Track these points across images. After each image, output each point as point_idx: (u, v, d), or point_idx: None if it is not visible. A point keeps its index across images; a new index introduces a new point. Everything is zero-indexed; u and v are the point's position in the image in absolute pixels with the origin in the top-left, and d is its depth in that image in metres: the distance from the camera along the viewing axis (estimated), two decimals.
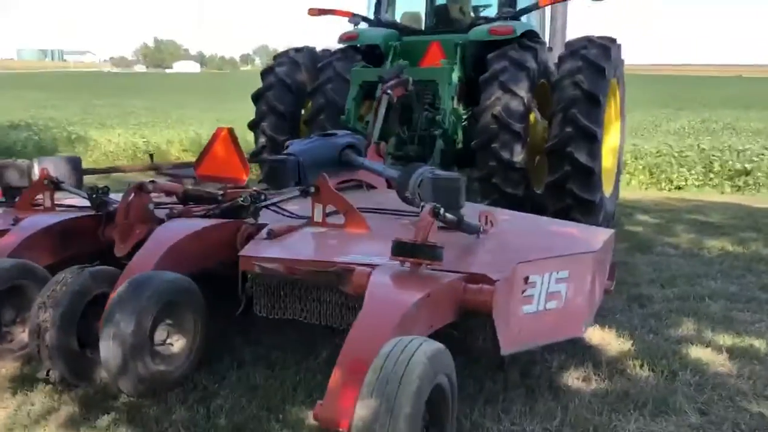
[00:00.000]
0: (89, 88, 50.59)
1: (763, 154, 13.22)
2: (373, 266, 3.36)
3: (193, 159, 6.18)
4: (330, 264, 3.56)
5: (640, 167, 12.93)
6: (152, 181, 4.66)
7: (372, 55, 9.15)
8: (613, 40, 8.28)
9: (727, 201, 10.77)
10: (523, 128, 7.71)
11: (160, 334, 3.65)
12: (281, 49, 9.56)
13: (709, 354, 4.26)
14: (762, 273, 6.21)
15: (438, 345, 2.61)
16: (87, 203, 4.81)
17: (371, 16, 9.29)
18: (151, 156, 6.79)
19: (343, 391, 2.61)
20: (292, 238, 4.07)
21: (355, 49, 9.16)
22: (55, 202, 5.15)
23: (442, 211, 3.38)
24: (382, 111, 7.03)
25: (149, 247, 3.97)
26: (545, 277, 3.62)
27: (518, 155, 7.71)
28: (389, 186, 6.10)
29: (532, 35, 8.29)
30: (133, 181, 4.69)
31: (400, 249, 3.20)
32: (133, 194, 4.46)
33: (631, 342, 4.42)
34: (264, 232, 4.11)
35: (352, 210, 4.30)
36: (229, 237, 4.24)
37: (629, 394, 3.64)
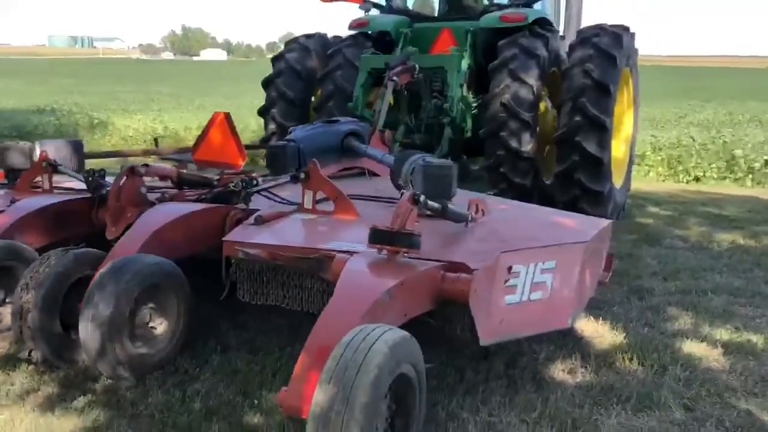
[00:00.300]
0: (116, 74, 51.07)
1: None
2: (353, 253, 3.33)
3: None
4: (311, 251, 3.53)
5: (659, 159, 12.70)
6: (145, 165, 4.65)
7: (383, 41, 9.09)
8: (626, 29, 8.13)
9: (745, 194, 10.56)
10: (532, 117, 7.61)
11: (141, 317, 3.65)
12: None
13: (703, 349, 4.17)
14: None
15: (403, 334, 2.57)
16: (85, 186, 4.83)
17: (383, 3, 9.20)
18: (156, 141, 6.81)
19: (307, 379, 2.58)
20: (278, 224, 4.04)
21: (365, 36, 9.10)
22: (55, 185, 5.17)
23: (422, 198, 3.32)
24: (387, 98, 6.96)
25: (134, 230, 3.97)
26: (530, 267, 3.55)
27: (527, 144, 7.62)
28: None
29: (544, 23, 8.16)
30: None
31: (377, 236, 3.16)
32: (125, 177, 4.46)
33: (624, 335, 4.34)
34: (252, 218, 4.09)
35: (342, 197, 4.26)
36: (217, 222, 4.23)
37: (614, 388, 3.57)
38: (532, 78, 7.62)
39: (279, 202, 4.56)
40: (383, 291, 2.88)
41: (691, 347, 4.18)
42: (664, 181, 12.29)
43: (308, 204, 4.34)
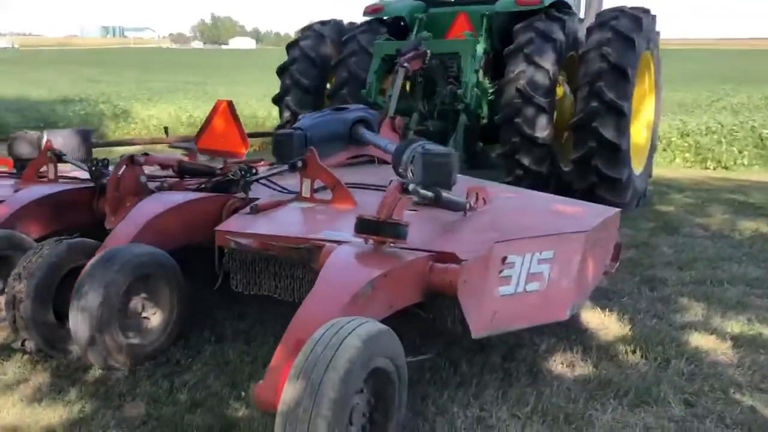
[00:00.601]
0: (145, 64, 51.50)
1: None
2: (342, 243, 3.26)
3: None
4: (301, 240, 3.47)
5: (686, 145, 12.40)
6: (145, 154, 4.63)
7: (398, 27, 8.98)
8: (647, 11, 7.91)
9: None
10: (548, 102, 7.47)
11: (133, 308, 3.63)
12: None
13: (712, 342, 4.03)
14: None
15: (379, 327, 2.49)
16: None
17: None
18: (166, 129, 6.79)
19: (282, 373, 2.51)
20: (273, 214, 3.99)
21: (380, 22, 9.00)
22: (62, 174, 5.18)
23: (411, 187, 3.23)
24: (398, 84, 6.86)
25: (128, 220, 3.95)
26: (526, 258, 3.45)
27: (543, 131, 7.48)
28: None
29: (561, 6, 7.98)
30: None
31: (363, 226, 3.08)
32: (124, 166, 4.44)
33: (630, 326, 4.22)
34: (248, 207, 4.05)
35: (340, 185, 4.20)
36: (214, 211, 4.20)
37: (612, 382, 3.46)
38: (548, 62, 7.47)
39: (280, 191, 4.51)
40: (365, 283, 2.80)
41: (699, 340, 4.04)
42: (690, 167, 12.02)
43: (306, 192, 4.28)
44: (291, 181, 4.61)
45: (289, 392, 2.27)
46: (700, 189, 9.47)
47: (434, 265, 3.12)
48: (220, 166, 4.96)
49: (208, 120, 5.25)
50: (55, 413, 3.10)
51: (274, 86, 9.34)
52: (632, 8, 7.81)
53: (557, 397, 3.30)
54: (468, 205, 3.86)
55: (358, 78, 8.38)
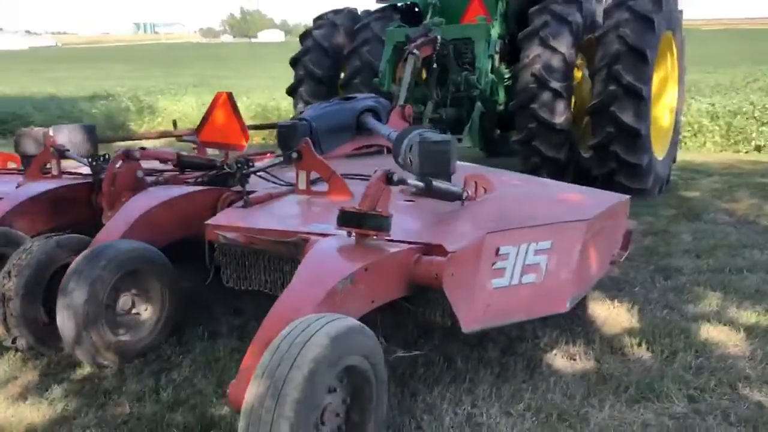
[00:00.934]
0: (175, 59, 51.94)
1: None
2: (328, 236, 3.16)
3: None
4: (288, 234, 3.37)
5: (716, 128, 12.03)
6: (142, 148, 4.58)
7: (412, 13, 8.84)
8: None
9: None
10: (564, 87, 7.29)
11: (123, 304, 3.58)
12: None
13: (724, 333, 3.85)
14: None
15: (350, 324, 2.38)
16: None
17: None
18: (174, 123, 6.75)
19: (253, 372, 2.43)
20: (265, 207, 3.90)
21: (394, 9, 8.88)
22: (67, 170, 5.16)
23: (397, 177, 3.11)
24: (408, 72, 6.73)
25: (119, 216, 3.91)
26: (521, 249, 3.31)
27: (560, 116, 7.31)
28: None
29: None
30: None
31: (346, 218, 2.97)
32: (120, 161, 4.39)
33: (639, 318, 4.06)
34: (242, 200, 3.97)
35: (335, 177, 4.09)
36: (209, 205, 4.14)
37: (613, 377, 3.31)
38: (564, 45, 7.29)
39: (279, 184, 4.42)
40: (342, 278, 2.70)
41: (710, 331, 3.86)
42: (721, 151, 11.66)
43: (302, 185, 4.19)
44: (291, 173, 4.52)
45: (252, 392, 2.18)
46: (729, 173, 9.17)
47: (420, 258, 3.00)
48: (220, 159, 4.92)
49: (209, 113, 5.19)
50: (38, 412, 3.06)
51: None
52: None
53: (553, 393, 3.16)
54: (465, 195, 3.73)
55: (371, 66, 8.27)
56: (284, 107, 15.59)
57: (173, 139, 6.55)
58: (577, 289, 3.56)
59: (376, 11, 8.87)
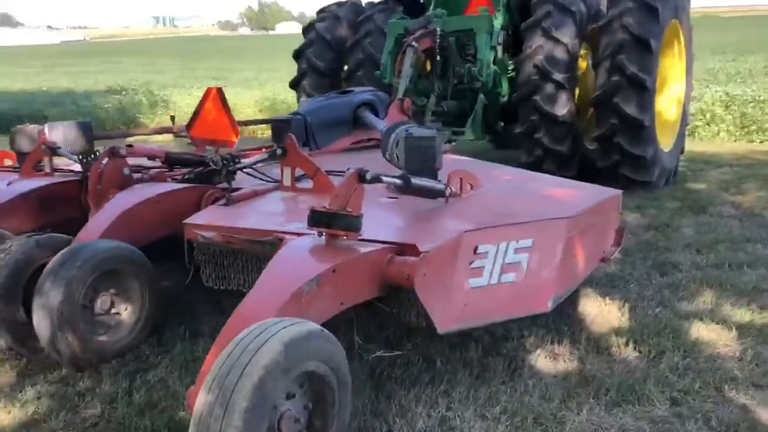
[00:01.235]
0: (193, 52, 52.11)
1: None
2: (303, 235, 3.11)
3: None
4: (264, 233, 3.32)
5: (730, 117, 11.78)
6: (129, 145, 4.55)
7: (415, 5, 8.73)
8: None
9: None
10: (567, 78, 7.17)
11: (102, 304, 3.55)
12: None
13: (715, 332, 3.75)
14: None
15: (309, 328, 2.32)
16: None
17: None
18: (172, 118, 6.73)
19: None
20: (247, 205, 3.86)
21: (397, 0, 8.77)
22: (62, 167, 5.15)
23: (370, 175, 3.03)
24: (407, 64, 6.61)
25: (100, 214, 3.88)
26: (500, 247, 3.23)
27: (562, 108, 7.20)
28: None
29: None
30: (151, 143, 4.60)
31: (315, 218, 2.91)
32: (106, 159, 4.37)
33: (629, 316, 3.97)
34: (225, 198, 3.93)
35: (320, 173, 4.03)
36: (193, 202, 4.09)
37: (595, 378, 3.23)
38: (567, 36, 7.16)
39: (266, 181, 4.37)
40: (308, 280, 2.64)
41: (701, 330, 3.76)
42: (735, 141, 11.42)
43: (287, 181, 4.14)
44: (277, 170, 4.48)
45: (202, 399, 2.14)
46: (740, 164, 8.98)
47: (393, 258, 2.93)
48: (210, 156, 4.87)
49: (199, 108, 5.14)
50: (9, 414, 3.04)
51: None
52: None
53: (531, 395, 3.09)
54: (449, 192, 3.66)
55: (373, 59, 8.19)
56: (291, 101, 15.58)
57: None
58: (560, 288, 3.47)
59: (379, 3, 8.79)
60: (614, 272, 4.76)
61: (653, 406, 3.00)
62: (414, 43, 6.65)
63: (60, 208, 4.56)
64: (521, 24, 7.57)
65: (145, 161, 5.00)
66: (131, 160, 5.01)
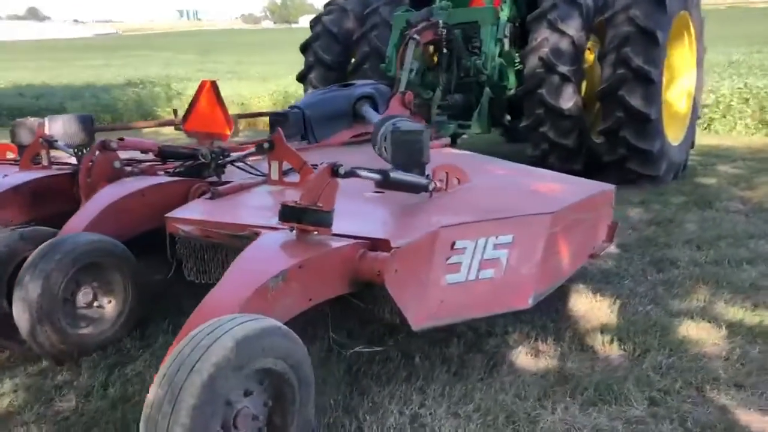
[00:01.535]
0: (214, 46, 52.34)
1: None
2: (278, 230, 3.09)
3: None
4: (242, 227, 3.30)
5: (747, 110, 11.57)
6: (120, 139, 4.55)
7: None
8: None
9: None
10: (573, 71, 7.07)
11: (84, 297, 3.56)
12: None
13: (705, 330, 3.67)
14: None
15: (265, 325, 2.29)
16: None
17: None
18: (175, 111, 6.75)
19: None
20: (231, 199, 3.85)
21: None
22: (58, 161, 5.18)
23: (341, 170, 3.00)
24: (409, 57, 6.57)
25: (85, 208, 3.89)
26: (479, 243, 3.19)
27: (568, 101, 7.10)
28: None
29: None
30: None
31: (286, 213, 2.88)
32: (96, 152, 4.38)
33: (619, 313, 3.90)
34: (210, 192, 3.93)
35: (307, 167, 4.00)
36: (180, 196, 4.09)
37: (574, 377, 3.17)
38: (572, 28, 7.06)
39: (255, 175, 4.36)
40: (273, 275, 2.62)
41: (691, 328, 3.68)
42: (753, 135, 11.22)
43: (275, 175, 4.13)
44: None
45: (151, 396, 2.13)
46: (754, 158, 8.82)
47: (365, 254, 2.90)
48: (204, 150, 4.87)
49: (194, 101, 5.13)
50: None
51: None
52: None
53: (507, 393, 3.04)
54: (432, 186, 3.61)
55: (379, 52, 8.15)
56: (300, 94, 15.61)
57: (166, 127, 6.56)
58: (542, 284, 3.42)
59: None
60: (610, 268, 4.69)
61: (630, 405, 2.94)
62: (416, 36, 6.60)
63: (53, 202, 4.59)
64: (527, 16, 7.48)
65: (140, 155, 5.04)
66: (127, 154, 5.04)
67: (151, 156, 4.86)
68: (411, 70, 6.95)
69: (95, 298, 3.63)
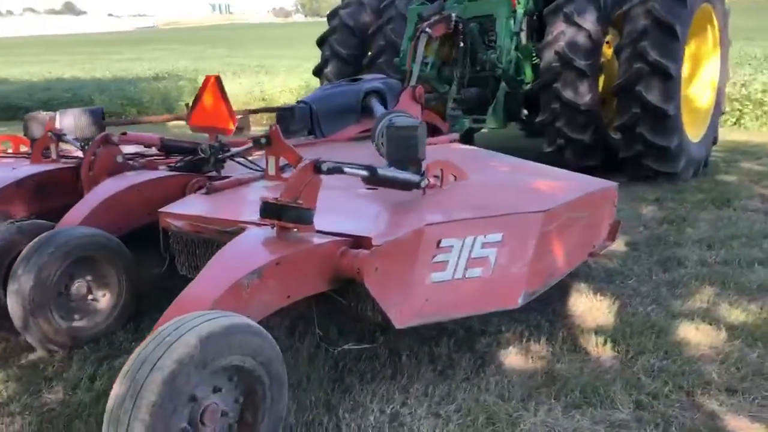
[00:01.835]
0: (245, 39, 52.65)
1: None
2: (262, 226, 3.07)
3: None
4: (229, 223, 3.30)
5: None
6: (123, 133, 4.59)
7: None
8: None
9: None
10: (589, 65, 6.96)
11: (78, 290, 3.60)
12: None
13: (704, 332, 3.57)
14: None
15: (232, 322, 2.28)
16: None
17: None
18: (187, 105, 6.77)
19: None
20: (225, 194, 3.85)
21: None
22: (67, 154, 5.25)
23: (324, 166, 2.97)
24: (420, 51, 6.54)
25: (83, 201, 3.92)
26: (467, 241, 3.13)
27: (584, 96, 7.00)
28: None
29: None
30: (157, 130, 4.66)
31: (267, 210, 2.87)
32: (99, 146, 4.42)
33: (618, 313, 3.82)
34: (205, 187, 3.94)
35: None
36: (177, 190, 4.10)
37: (561, 378, 3.10)
38: (589, 22, 6.95)
39: (254, 170, 4.36)
40: (249, 272, 2.60)
41: (689, 330, 3.59)
42: None
43: (272, 170, 4.12)
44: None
45: (115, 391, 2.13)
46: None
47: (345, 251, 2.87)
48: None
49: (198, 96, 5.15)
50: None
51: None
52: None
53: (490, 394, 3.00)
54: (425, 183, 3.56)
55: (394, 46, 8.12)
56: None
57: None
58: (533, 283, 3.36)
59: None
60: (615, 267, 4.60)
61: (615, 409, 2.87)
62: (427, 30, 6.55)
63: (58, 195, 4.63)
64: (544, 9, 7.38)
65: (144, 149, 5.08)
66: (131, 148, 5.08)
67: (155, 150, 4.92)
68: (426, 64, 6.91)
69: (89, 291, 3.66)
